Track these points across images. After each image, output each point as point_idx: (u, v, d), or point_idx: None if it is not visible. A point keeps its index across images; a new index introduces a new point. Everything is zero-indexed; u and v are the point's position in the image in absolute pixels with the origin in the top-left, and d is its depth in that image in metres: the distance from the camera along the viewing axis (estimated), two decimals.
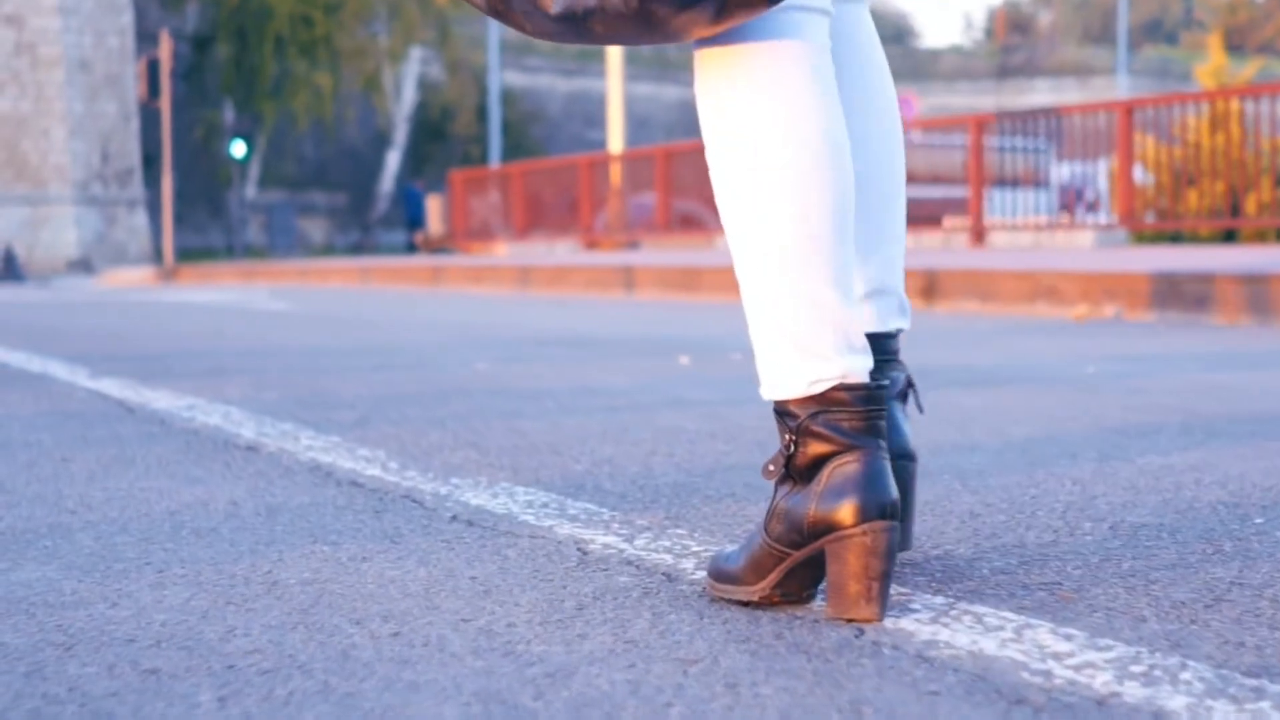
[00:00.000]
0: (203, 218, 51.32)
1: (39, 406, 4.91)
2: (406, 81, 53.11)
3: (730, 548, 2.28)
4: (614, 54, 29.53)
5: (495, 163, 40.99)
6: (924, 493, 3.07)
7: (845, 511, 2.05)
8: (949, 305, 10.94)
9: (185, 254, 44.28)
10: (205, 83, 49.93)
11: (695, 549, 2.60)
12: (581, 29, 2.03)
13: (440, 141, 54.43)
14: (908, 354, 3.89)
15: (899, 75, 53.80)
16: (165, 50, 32.16)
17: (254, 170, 50.83)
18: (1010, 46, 75.24)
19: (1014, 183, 17.61)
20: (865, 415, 2.08)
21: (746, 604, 2.17)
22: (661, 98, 59.55)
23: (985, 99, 64.63)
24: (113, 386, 5.46)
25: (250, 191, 51.06)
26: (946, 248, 17.44)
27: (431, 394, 5.23)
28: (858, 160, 2.31)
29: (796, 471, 2.11)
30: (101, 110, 43.19)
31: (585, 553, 2.60)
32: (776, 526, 2.13)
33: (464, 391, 5.31)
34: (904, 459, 2.32)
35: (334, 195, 53.86)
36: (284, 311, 13.03)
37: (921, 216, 18.64)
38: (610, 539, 2.70)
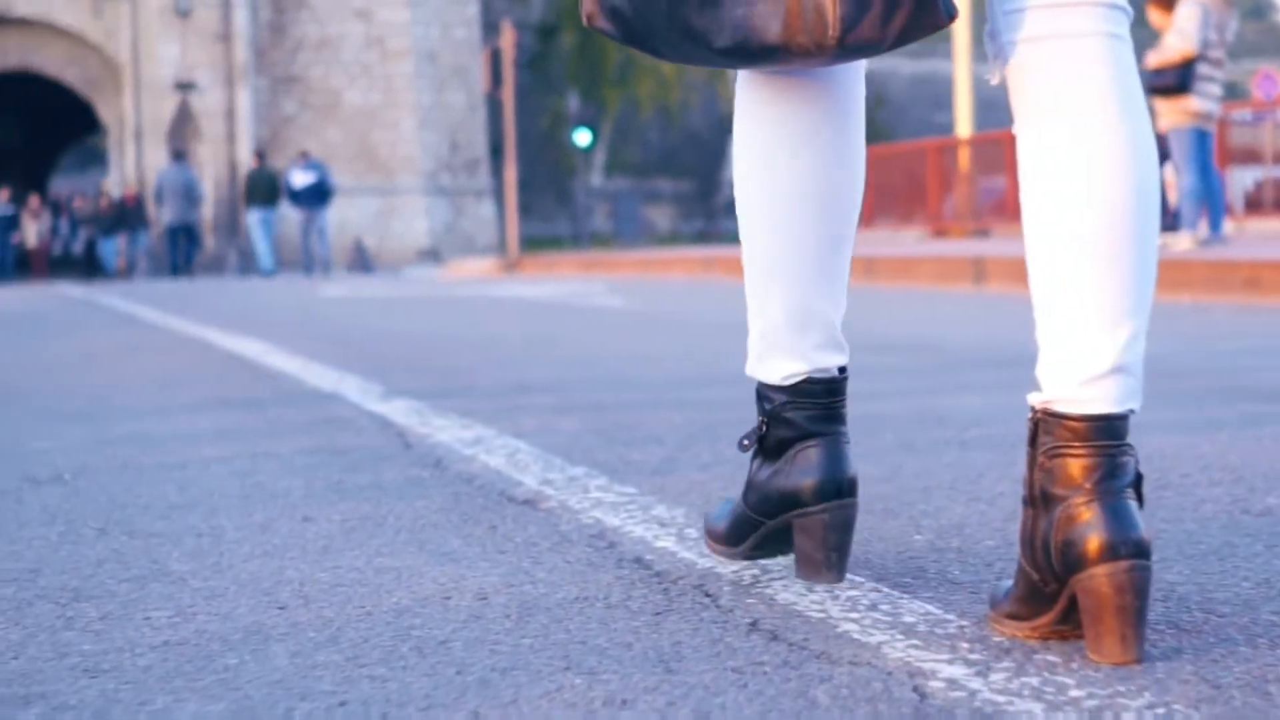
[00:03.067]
0: (550, 206, 51.65)
1: (309, 440, 4.37)
2: None
3: (720, 506, 2.58)
4: (961, 35, 28.50)
5: None
6: None
7: (808, 491, 2.36)
8: None
9: (532, 243, 44.43)
10: (550, 71, 50.19)
11: (1075, 692, 1.88)
12: (751, 61, 2.13)
13: None
14: None
15: (1259, 51, 51.49)
16: (508, 40, 32.14)
17: (599, 158, 50.92)
18: None
19: None
20: (829, 405, 2.39)
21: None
22: None
23: None
24: (400, 411, 4.91)
25: (596, 180, 51.18)
26: None
27: (747, 421, 4.53)
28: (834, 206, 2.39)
29: (767, 449, 2.42)
30: (449, 101, 43.62)
31: (922, 695, 1.89)
32: (752, 497, 2.45)
33: None
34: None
35: (679, 182, 53.67)
36: (617, 309, 12.53)
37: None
38: (957, 671, 1.99)
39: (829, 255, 2.37)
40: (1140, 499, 2.05)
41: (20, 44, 41.72)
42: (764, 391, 2.43)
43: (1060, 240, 2.09)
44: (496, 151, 45.54)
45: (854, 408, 4.78)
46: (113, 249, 37.10)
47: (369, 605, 2.43)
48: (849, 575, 2.54)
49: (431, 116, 43.24)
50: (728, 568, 2.62)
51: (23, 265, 39.11)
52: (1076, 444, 2.04)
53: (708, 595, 2.45)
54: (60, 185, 61.48)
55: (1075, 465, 2.03)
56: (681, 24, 2.11)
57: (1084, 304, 2.07)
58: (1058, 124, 2.09)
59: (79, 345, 9.35)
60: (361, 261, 35.51)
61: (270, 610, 2.41)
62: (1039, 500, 2.08)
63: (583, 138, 41.14)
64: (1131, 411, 2.06)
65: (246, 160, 39.82)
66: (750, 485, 2.45)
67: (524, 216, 46.92)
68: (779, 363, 2.40)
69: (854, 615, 2.29)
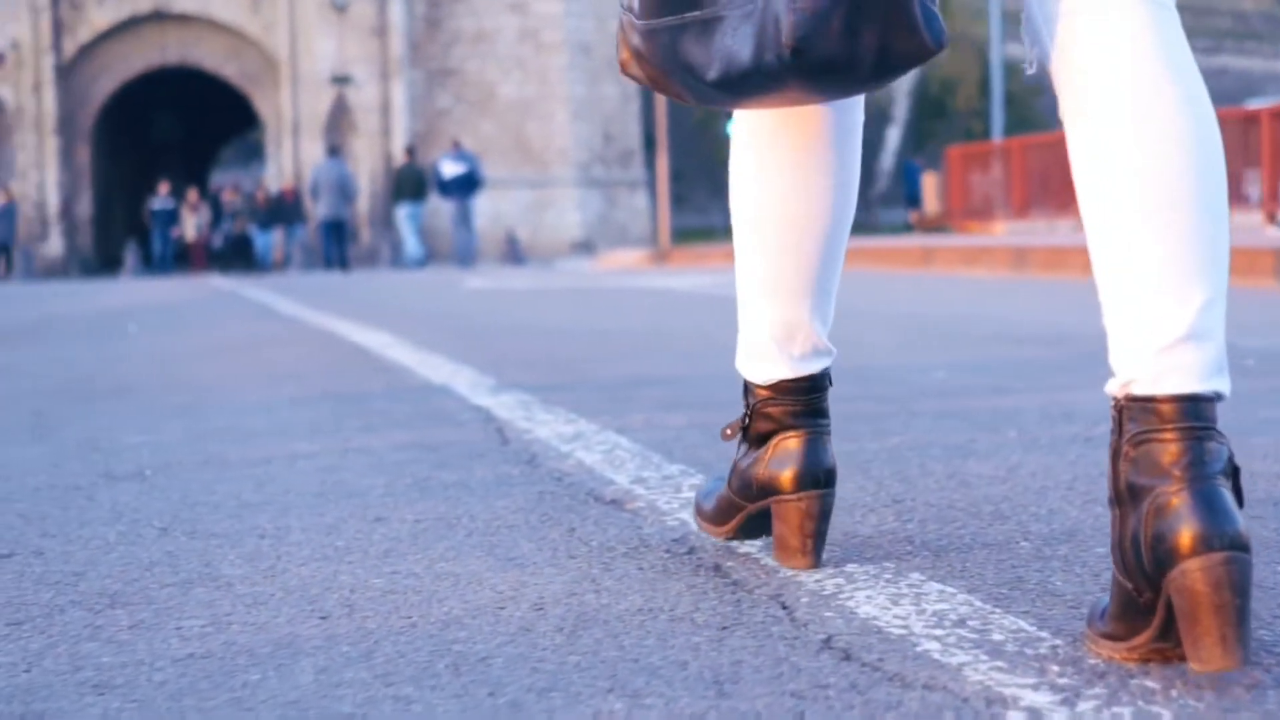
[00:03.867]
0: (703, 198, 51.41)
1: (406, 435, 4.21)
2: None
3: (710, 483, 2.66)
4: None
5: (997, 137, 39.58)
6: None
7: (786, 480, 2.42)
8: None
9: (686, 234, 44.22)
10: None
11: None
12: (738, 91, 2.08)
13: (941, 117, 53.16)
14: None
15: None
16: None
17: None
18: None
19: None
20: (808, 401, 2.45)
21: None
22: None
23: None
24: (506, 405, 4.74)
25: None
26: None
27: (867, 416, 4.32)
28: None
29: (750, 439, 2.50)
30: (603, 93, 43.56)
31: None
32: (735, 481, 2.53)
33: (908, 412, 4.40)
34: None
35: None
36: None
37: None
38: (1041, 698, 1.78)
39: (821, 275, 2.44)
40: (1240, 495, 1.86)
41: (180, 39, 42.24)
42: (749, 386, 2.50)
43: (1119, 209, 1.95)
44: (650, 143, 45.39)
45: (978, 403, 4.63)
46: (268, 242, 37.43)
47: (416, 615, 2.26)
48: (940, 585, 2.34)
49: (585, 108, 43.21)
50: (810, 577, 2.42)
51: (182, 258, 39.60)
52: (1162, 427, 1.87)
53: (784, 607, 2.26)
54: (222, 179, 62.29)
55: (1162, 451, 1.87)
56: (682, 59, 2.09)
57: (1149, 271, 1.93)
58: (1106, 103, 1.97)
59: (207, 339, 9.31)
60: (513, 253, 35.55)
61: (310, 620, 2.25)
62: (1125, 496, 1.91)
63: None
64: (1219, 395, 1.89)
65: (401, 154, 40.07)
66: (734, 470, 2.53)
67: (677, 208, 46.75)
68: (764, 367, 2.47)
69: (938, 632, 2.09)
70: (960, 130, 51.78)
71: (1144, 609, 1.89)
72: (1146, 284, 1.92)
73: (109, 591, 2.48)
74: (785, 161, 2.37)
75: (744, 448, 2.52)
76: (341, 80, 41.16)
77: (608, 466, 3.53)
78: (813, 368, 2.46)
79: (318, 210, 32.34)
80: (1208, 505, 1.82)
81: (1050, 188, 24.51)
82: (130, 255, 38.39)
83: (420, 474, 3.53)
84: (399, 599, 2.36)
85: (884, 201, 51.95)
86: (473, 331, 8.93)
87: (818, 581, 2.39)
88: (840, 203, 2.41)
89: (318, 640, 2.14)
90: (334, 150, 34.63)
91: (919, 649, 2.02)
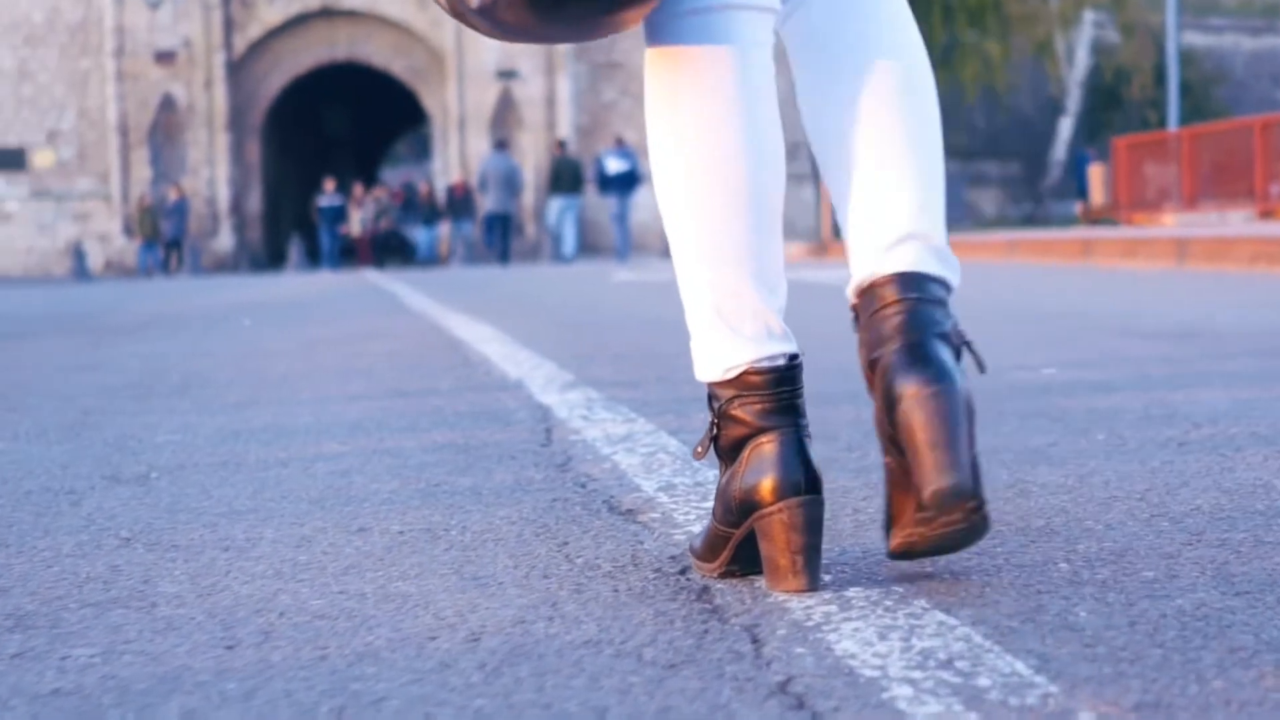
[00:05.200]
0: None
1: (448, 435, 3.97)
2: (1079, 45, 50.96)
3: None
4: None
5: (1173, 127, 38.66)
6: None
7: (764, 490, 2.14)
8: None
9: None
10: None
11: None
12: (495, 22, 2.05)
13: (1115, 107, 52.04)
14: None
15: None
16: None
17: None
18: None
19: None
20: (778, 397, 2.17)
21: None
22: None
23: None
24: (570, 403, 4.48)
25: None
26: None
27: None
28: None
29: (723, 452, 2.23)
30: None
31: None
32: (718, 507, 2.24)
33: (996, 412, 4.05)
34: None
35: (1006, 165, 52.36)
36: None
37: None
38: None
39: (754, 238, 2.21)
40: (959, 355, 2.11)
41: (349, 35, 42.53)
42: (711, 391, 2.25)
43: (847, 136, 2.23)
44: None
45: (1076, 402, 4.26)
46: (432, 237, 37.53)
47: (333, 646, 1.99)
48: (943, 616, 2.03)
49: None
50: (801, 603, 2.12)
51: (349, 253, 39.85)
52: (884, 304, 2.14)
53: (754, 641, 1.96)
54: (393, 175, 62.81)
55: (884, 321, 2.13)
56: None
57: (871, 184, 2.21)
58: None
59: (311, 333, 9.16)
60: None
61: (213, 651, 1.99)
62: (868, 374, 2.16)
63: None
64: (940, 278, 2.16)
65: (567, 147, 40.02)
66: (716, 496, 2.26)
67: None
68: (718, 355, 2.22)
69: (917, 674, 1.79)
70: (1136, 120, 50.67)
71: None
72: (869, 195, 2.19)
73: (20, 611, 2.24)
74: (703, 112, 2.17)
75: (721, 467, 2.27)
76: (507, 75, 41.18)
77: (642, 471, 3.25)
78: (771, 351, 2.19)
79: (484, 204, 32.33)
80: (924, 359, 2.07)
81: (1222, 178, 23.78)
82: (294, 250, 38.71)
83: (436, 479, 3.27)
84: (325, 625, 2.10)
85: (1056, 194, 51.01)
86: (584, 325, 8.70)
87: (807, 609, 2.09)
88: (762, 157, 2.19)
89: (206, 675, 1.88)
90: (501, 144, 34.57)
91: (885, 696, 1.72)
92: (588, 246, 37.49)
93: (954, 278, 2.20)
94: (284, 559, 2.53)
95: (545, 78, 41.30)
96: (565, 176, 31.52)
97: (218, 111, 41.93)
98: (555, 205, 31.60)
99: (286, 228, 44.17)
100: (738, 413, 2.19)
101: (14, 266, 39.46)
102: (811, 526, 2.14)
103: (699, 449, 2.25)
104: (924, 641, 1.92)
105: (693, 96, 2.17)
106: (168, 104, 41.70)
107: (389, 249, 38.62)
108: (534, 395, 4.74)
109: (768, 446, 2.15)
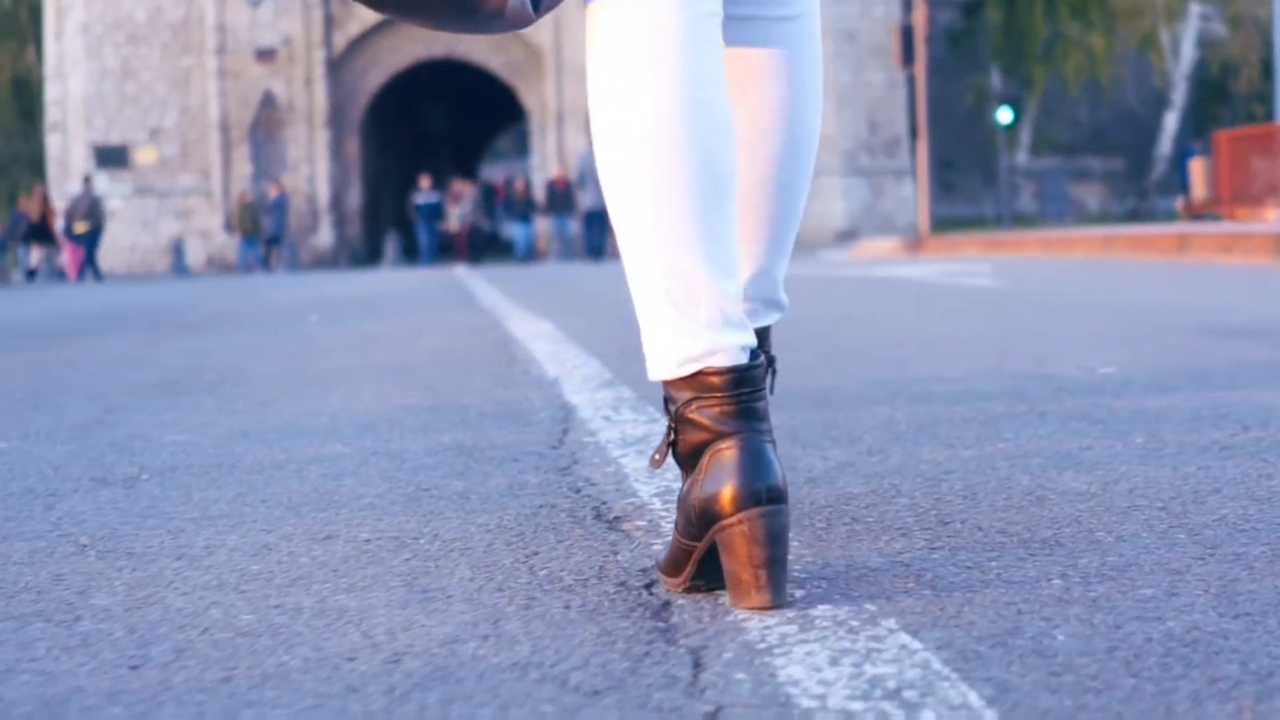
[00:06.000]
0: (975, 186, 50.40)
1: (458, 435, 3.84)
2: (1184, 38, 50.21)
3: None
4: None
5: None
6: None
7: (724, 500, 1.99)
8: None
9: (955, 223, 43.31)
10: (975, 48, 48.90)
11: None
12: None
13: (1222, 101, 51.29)
14: None
15: None
16: (919, 16, 31.33)
17: (1024, 136, 49.39)
18: None
19: None
20: (737, 399, 2.00)
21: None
22: None
23: None
24: (596, 403, 4.33)
25: (1021, 158, 49.67)
26: None
27: (987, 419, 3.81)
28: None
29: (681, 459, 2.07)
30: (868, 80, 42.91)
31: None
32: (680, 519, 2.08)
33: (1037, 414, 3.86)
34: None
35: (1109, 160, 51.70)
36: (977, 288, 11.75)
37: None
38: None
39: (705, 213, 2.02)
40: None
41: (447, 33, 42.62)
42: (667, 393, 2.08)
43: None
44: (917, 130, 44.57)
45: (1125, 403, 4.06)
46: (528, 233, 37.52)
47: (244, 667, 1.85)
48: (908, 638, 1.87)
49: (850, 96, 42.58)
50: (761, 622, 1.96)
51: (447, 249, 39.92)
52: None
53: (696, 665, 1.81)
54: (494, 170, 62.96)
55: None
56: None
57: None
58: None
59: (370, 328, 9.07)
60: None
61: (115, 672, 1.86)
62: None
63: (1004, 115, 39.90)
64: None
65: None
66: (678, 506, 2.09)
67: (947, 196, 45.97)
68: (670, 347, 2.04)
69: (857, 705, 1.64)
70: (1242, 114, 49.88)
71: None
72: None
73: None
74: (645, 66, 2.03)
75: (682, 475, 2.10)
76: None
77: (645, 476, 3.10)
78: (727, 342, 2.02)
79: (583, 200, 32.26)
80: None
81: None
82: (390, 246, 38.82)
83: (428, 482, 3.13)
84: (245, 643, 1.96)
85: (1161, 189, 50.31)
86: None
87: (765, 629, 1.93)
88: (701, 119, 2.03)
89: (96, 698, 1.74)
90: None
91: None
92: None
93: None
94: (235, 568, 2.40)
95: None
96: None
97: (318, 108, 42.12)
98: None
99: (386, 224, 44.31)
100: (695, 416, 2.02)
101: (118, 264, 39.77)
102: (774, 539, 1.97)
103: (656, 456, 2.11)
104: (877, 668, 1.76)
105: (633, 46, 2.04)
106: (268, 101, 41.93)
107: (486, 245, 38.64)
108: (564, 395, 4.59)
109: (727, 453, 1.99)
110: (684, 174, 2.01)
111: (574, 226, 35.84)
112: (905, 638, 1.88)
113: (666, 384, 2.08)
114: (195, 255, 41.04)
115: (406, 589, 2.22)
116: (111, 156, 42.16)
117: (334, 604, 2.15)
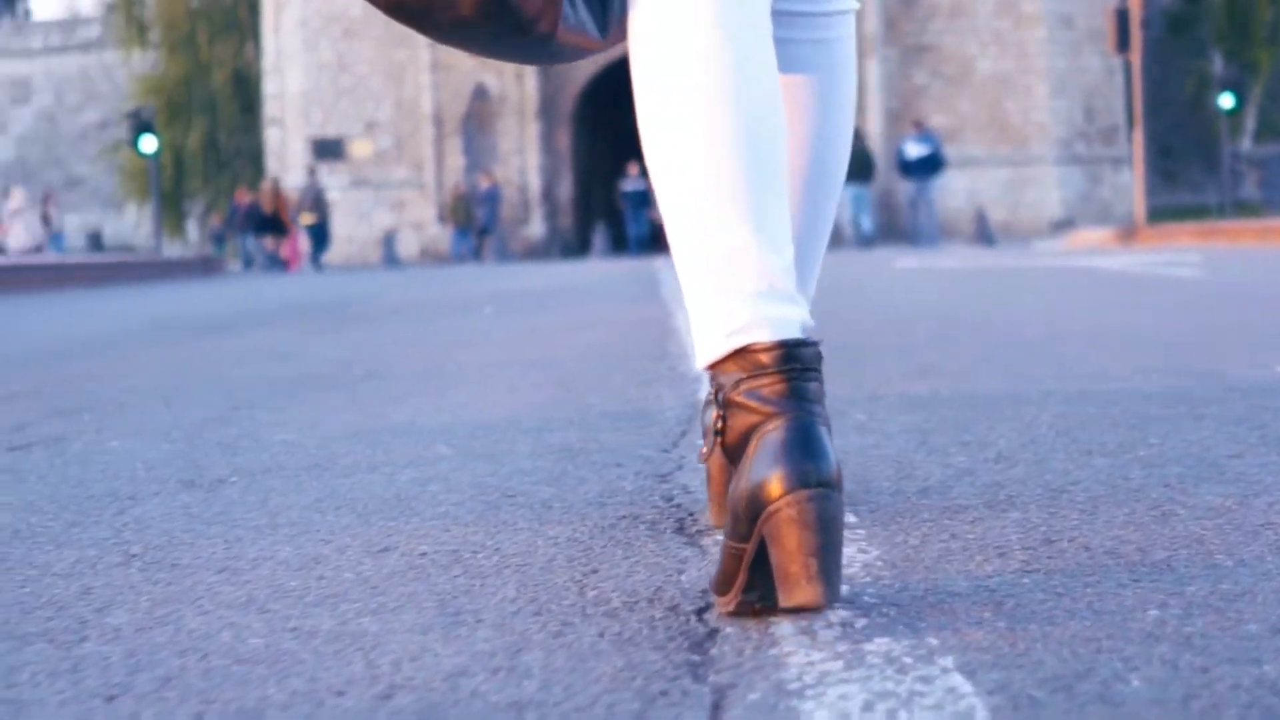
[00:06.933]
0: (1197, 174, 49.29)
1: (565, 437, 3.67)
2: None
3: None
4: None
5: None
6: None
7: (771, 485, 1.81)
8: None
9: (1177, 212, 42.26)
10: (1198, 33, 47.76)
11: None
12: (422, 21, 1.98)
13: None
14: None
15: None
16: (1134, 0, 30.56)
17: (1249, 123, 48.12)
18: None
19: None
20: (788, 375, 1.86)
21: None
22: None
23: None
24: (699, 404, 4.15)
25: (1245, 145, 48.40)
26: None
27: (1135, 421, 3.54)
28: None
29: (730, 451, 1.90)
30: (1084, 66, 42.07)
31: None
32: (729, 521, 1.89)
33: (1194, 416, 3.59)
34: None
35: None
36: (1179, 280, 11.37)
37: None
38: None
39: (751, 184, 1.92)
40: None
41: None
42: (715, 378, 1.94)
43: None
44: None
45: (1229, 409, 3.76)
46: None
47: (220, 701, 1.70)
48: (957, 681, 1.65)
49: (1065, 82, 41.77)
50: (805, 656, 1.76)
51: (656, 239, 39.87)
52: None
53: (715, 708, 1.62)
54: None
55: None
56: None
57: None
58: None
59: (535, 321, 8.99)
60: (983, 233, 34.49)
61: (88, 703, 1.71)
62: None
63: (1225, 101, 38.86)
64: None
65: (877, 132, 39.50)
66: (727, 506, 1.90)
67: (1168, 185, 44.94)
68: (718, 319, 1.91)
69: None
70: None
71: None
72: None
73: None
74: (688, 33, 1.94)
75: (730, 471, 1.95)
76: None
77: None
78: (777, 313, 1.89)
79: None
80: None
81: None
82: (598, 237, 38.87)
83: (516, 489, 2.96)
84: (239, 672, 1.80)
85: None
86: (818, 312, 8.33)
87: (807, 664, 1.75)
88: (745, 85, 1.94)
89: None
90: None
91: None
92: (896, 232, 36.93)
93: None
94: (272, 584, 2.25)
95: (855, 61, 40.80)
96: (855, 165, 31.13)
97: (528, 100, 42.34)
98: (846, 195, 31.25)
99: (597, 214, 44.42)
100: (742, 399, 1.87)
101: (336, 256, 40.30)
102: (826, 524, 1.81)
103: (703, 450, 1.98)
104: (913, 715, 1.56)
105: (674, 14, 1.94)
106: (480, 94, 42.25)
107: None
108: (701, 393, 4.41)
109: (775, 434, 1.83)
110: (730, 143, 1.92)
111: None
112: (957, 679, 1.67)
113: (714, 369, 1.93)
114: (409, 247, 41.48)
115: (438, 611, 2.05)
116: (328, 150, 42.79)
117: (354, 627, 1.99)
